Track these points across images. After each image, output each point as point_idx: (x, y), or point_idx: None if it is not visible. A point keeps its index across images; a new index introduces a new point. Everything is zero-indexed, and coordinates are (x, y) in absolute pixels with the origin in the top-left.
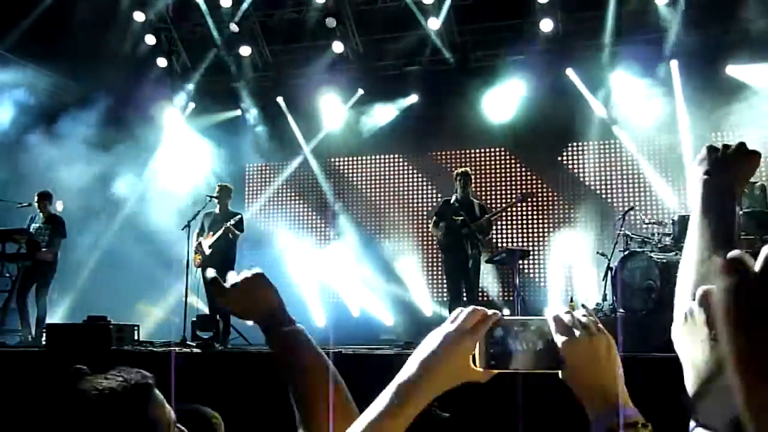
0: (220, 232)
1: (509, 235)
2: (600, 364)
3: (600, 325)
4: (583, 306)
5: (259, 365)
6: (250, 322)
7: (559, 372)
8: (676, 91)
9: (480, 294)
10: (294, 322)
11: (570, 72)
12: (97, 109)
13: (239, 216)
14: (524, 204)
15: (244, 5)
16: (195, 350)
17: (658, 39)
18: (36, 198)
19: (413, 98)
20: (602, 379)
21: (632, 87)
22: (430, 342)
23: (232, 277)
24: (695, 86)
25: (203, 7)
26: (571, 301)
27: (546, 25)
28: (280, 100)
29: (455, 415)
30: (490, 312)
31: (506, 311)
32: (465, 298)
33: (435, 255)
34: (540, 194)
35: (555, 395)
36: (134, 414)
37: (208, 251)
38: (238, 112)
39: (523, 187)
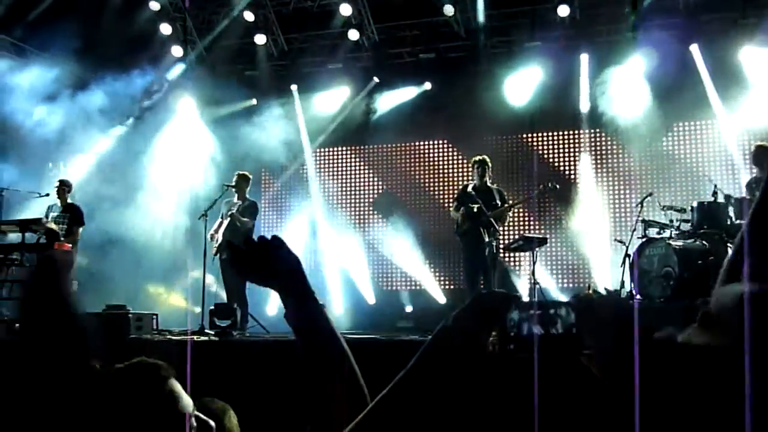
0: (227, 221)
1: (527, 223)
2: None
3: (627, 310)
4: (606, 289)
5: (277, 354)
6: (270, 312)
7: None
8: (702, 74)
9: (497, 281)
10: (313, 293)
11: (584, 57)
12: (114, 97)
13: (248, 203)
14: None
15: None
16: (213, 338)
17: (677, 24)
18: (57, 185)
19: (427, 86)
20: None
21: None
22: (452, 323)
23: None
24: (717, 70)
25: None
26: (589, 288)
27: (563, 10)
28: (294, 88)
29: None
30: (511, 295)
31: (525, 298)
32: (481, 285)
33: (453, 242)
34: (559, 184)
35: (574, 379)
36: (152, 403)
37: (220, 239)
38: (254, 101)
39: (543, 175)
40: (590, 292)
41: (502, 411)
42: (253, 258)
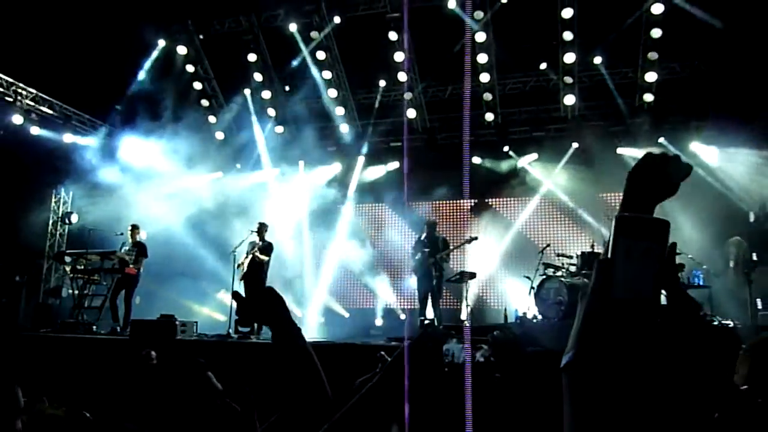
0: (250, 257)
1: (462, 262)
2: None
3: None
4: (518, 325)
5: None
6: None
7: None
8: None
9: (441, 304)
10: (294, 324)
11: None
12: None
13: (266, 243)
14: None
15: (277, 96)
16: (236, 341)
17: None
18: (130, 228)
19: (395, 164)
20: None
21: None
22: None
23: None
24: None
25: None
26: (505, 311)
27: (489, 116)
28: (301, 163)
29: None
30: (447, 331)
31: (461, 317)
32: (431, 307)
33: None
34: (481, 237)
35: (493, 392)
36: (193, 386)
37: (245, 269)
38: (278, 171)
39: (472, 231)
40: (501, 331)
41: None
42: (249, 308)
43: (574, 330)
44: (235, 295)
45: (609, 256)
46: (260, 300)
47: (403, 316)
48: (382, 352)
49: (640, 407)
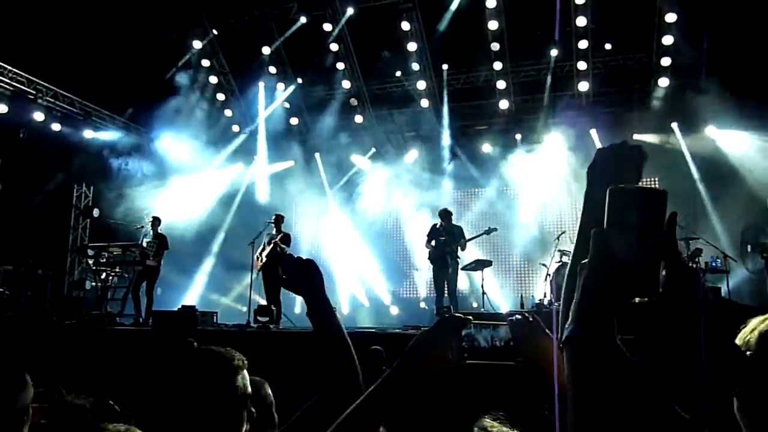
0: (270, 247)
1: (479, 250)
2: (545, 358)
3: (545, 328)
4: (534, 312)
5: (302, 341)
6: (297, 312)
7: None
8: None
9: (457, 292)
10: (328, 301)
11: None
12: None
13: (284, 234)
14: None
15: (291, 88)
16: (256, 330)
17: (581, 114)
18: (150, 220)
19: (414, 154)
20: (548, 369)
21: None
22: (423, 337)
23: (289, 258)
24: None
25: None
26: (521, 298)
27: (503, 104)
28: (317, 155)
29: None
30: (464, 317)
31: (474, 305)
32: (446, 295)
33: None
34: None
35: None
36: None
37: (265, 259)
38: (292, 163)
39: (489, 220)
40: (524, 315)
41: (459, 404)
42: (292, 272)
43: (574, 303)
44: (286, 257)
45: (605, 227)
46: (301, 267)
47: (423, 305)
48: (377, 346)
49: (641, 377)
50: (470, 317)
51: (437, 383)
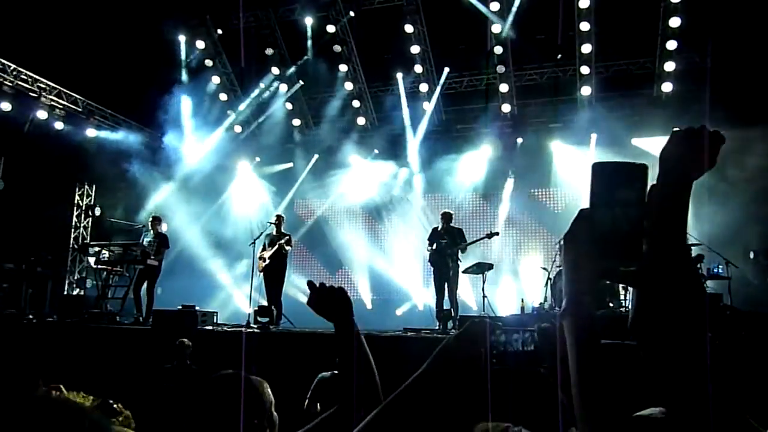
0: (275, 248)
1: (479, 253)
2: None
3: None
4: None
5: (301, 341)
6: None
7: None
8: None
9: (457, 295)
10: (355, 326)
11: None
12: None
13: (288, 236)
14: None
15: (295, 88)
16: (256, 330)
17: (583, 117)
18: (151, 219)
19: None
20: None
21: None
22: (450, 342)
23: (322, 287)
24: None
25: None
26: (522, 302)
27: (505, 108)
28: (317, 156)
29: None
30: (493, 323)
31: (474, 307)
32: (447, 298)
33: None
34: (502, 231)
35: (537, 385)
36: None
37: (267, 260)
38: (291, 165)
39: (490, 224)
40: (552, 323)
41: (485, 408)
42: (323, 299)
43: (564, 284)
44: (310, 284)
45: (590, 203)
46: (332, 297)
47: (421, 308)
48: None
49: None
50: (500, 323)
51: (463, 388)
